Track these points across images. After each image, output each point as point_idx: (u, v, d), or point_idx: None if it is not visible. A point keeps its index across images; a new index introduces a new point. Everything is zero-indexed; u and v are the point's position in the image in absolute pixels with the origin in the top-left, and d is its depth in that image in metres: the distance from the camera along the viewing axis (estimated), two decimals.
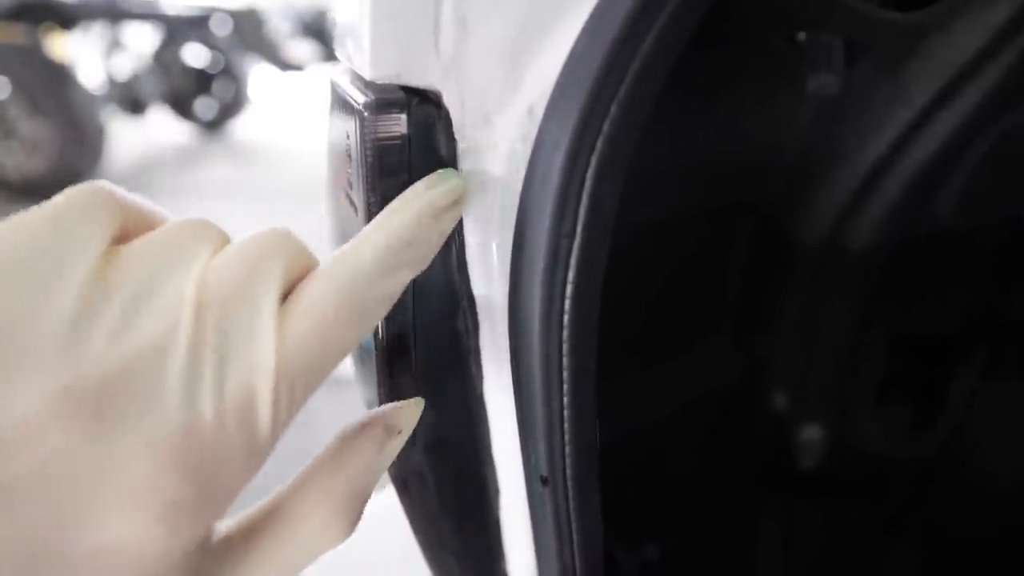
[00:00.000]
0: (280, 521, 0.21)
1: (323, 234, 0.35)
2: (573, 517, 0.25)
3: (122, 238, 0.19)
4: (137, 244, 0.19)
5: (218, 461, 0.18)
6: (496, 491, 0.31)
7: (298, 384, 0.19)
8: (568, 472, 0.24)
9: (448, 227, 0.23)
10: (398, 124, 0.23)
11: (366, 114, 0.23)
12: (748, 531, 0.61)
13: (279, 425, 0.19)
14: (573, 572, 0.26)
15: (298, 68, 4.07)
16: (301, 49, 4.07)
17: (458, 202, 0.23)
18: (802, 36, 0.34)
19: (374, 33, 0.23)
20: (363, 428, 0.23)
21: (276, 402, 0.19)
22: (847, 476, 0.62)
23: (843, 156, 0.49)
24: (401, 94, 0.24)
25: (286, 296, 0.20)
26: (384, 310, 0.22)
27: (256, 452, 0.19)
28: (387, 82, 0.24)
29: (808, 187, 0.51)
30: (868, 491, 0.63)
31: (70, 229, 0.18)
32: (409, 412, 0.24)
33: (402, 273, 0.21)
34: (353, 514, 0.22)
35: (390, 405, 0.24)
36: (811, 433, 0.60)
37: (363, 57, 0.24)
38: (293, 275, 0.20)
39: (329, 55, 3.86)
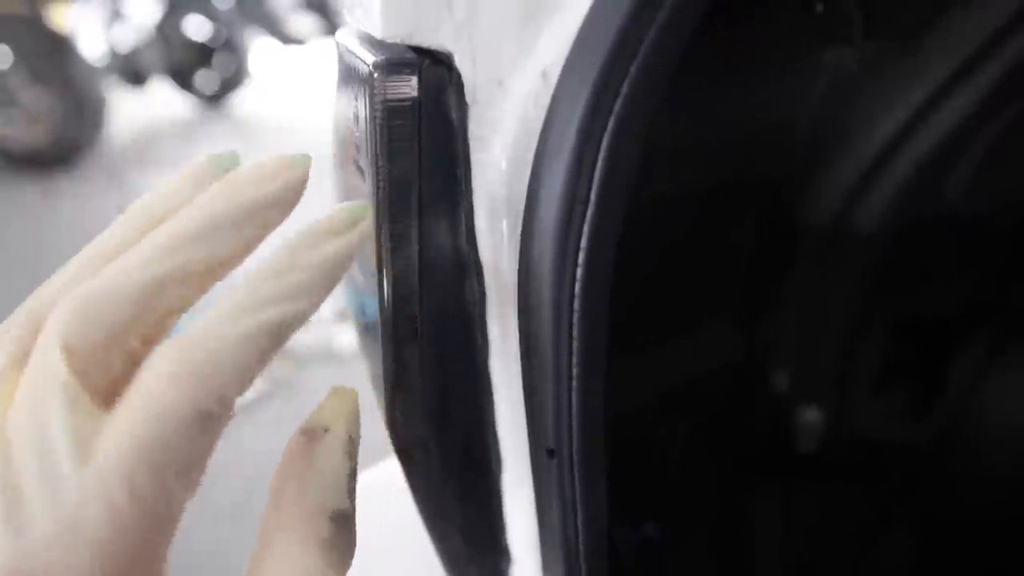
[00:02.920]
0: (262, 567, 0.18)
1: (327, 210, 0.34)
2: (578, 490, 0.25)
3: None
4: None
5: None
6: (499, 463, 0.31)
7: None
8: (575, 444, 0.24)
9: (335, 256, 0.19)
10: (408, 86, 0.23)
11: (375, 75, 0.22)
12: (745, 513, 0.61)
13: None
14: (576, 546, 0.26)
15: (300, 42, 4.03)
16: (303, 23, 4.02)
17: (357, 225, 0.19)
18: (819, 8, 0.33)
19: None
20: (288, 449, 0.20)
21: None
22: (845, 459, 0.61)
23: (854, 134, 0.48)
24: (412, 55, 0.23)
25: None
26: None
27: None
28: (398, 41, 0.23)
29: (817, 166, 0.50)
30: (866, 475, 0.63)
31: None
32: (330, 406, 0.20)
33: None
34: (333, 530, 0.18)
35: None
36: (810, 416, 0.59)
37: (374, 14, 0.23)
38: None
39: (331, 29, 3.82)
